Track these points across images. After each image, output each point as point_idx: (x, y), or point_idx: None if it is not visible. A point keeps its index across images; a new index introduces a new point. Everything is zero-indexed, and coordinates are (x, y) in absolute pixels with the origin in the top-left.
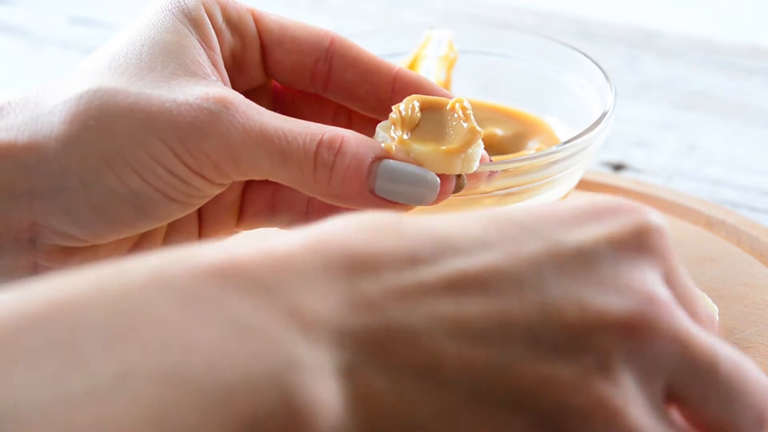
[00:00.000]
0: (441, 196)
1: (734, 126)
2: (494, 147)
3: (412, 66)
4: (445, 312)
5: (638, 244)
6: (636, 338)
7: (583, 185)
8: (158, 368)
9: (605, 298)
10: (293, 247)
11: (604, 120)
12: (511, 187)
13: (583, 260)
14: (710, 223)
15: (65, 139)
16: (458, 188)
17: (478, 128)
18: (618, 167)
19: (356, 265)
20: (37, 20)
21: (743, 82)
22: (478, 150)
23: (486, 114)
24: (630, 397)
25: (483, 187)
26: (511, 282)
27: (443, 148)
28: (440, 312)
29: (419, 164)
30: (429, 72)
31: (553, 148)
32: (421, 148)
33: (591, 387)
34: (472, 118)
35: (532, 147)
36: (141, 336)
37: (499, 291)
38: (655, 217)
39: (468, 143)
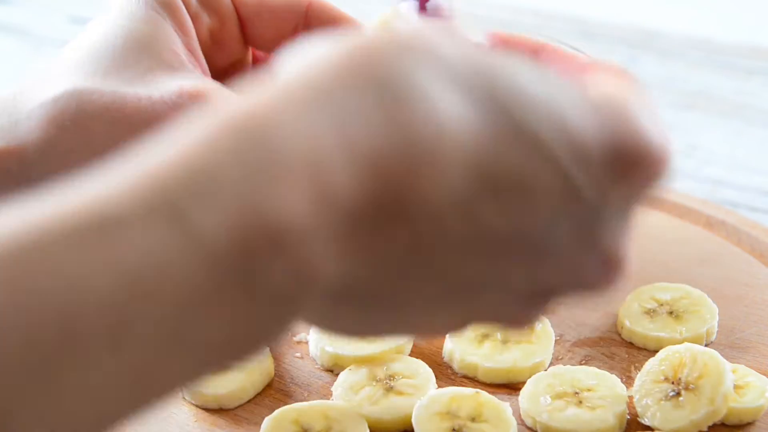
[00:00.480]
0: None
1: (734, 126)
2: None
3: None
4: None
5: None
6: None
7: None
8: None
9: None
10: None
11: None
12: None
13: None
14: (710, 223)
15: (44, 143)
16: None
17: None
18: None
19: None
20: (37, 20)
21: (743, 82)
22: None
23: None
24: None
25: None
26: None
27: None
28: None
29: None
30: None
31: None
32: None
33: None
34: None
35: None
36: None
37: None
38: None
39: None
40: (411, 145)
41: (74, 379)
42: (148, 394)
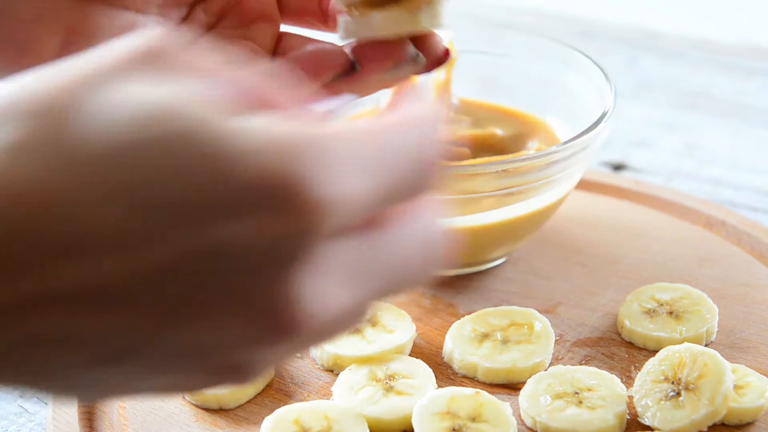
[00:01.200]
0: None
1: (734, 126)
2: (494, 147)
3: None
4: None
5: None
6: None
7: (583, 185)
8: None
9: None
10: None
11: (604, 120)
12: (511, 187)
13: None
14: (710, 223)
15: None
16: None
17: None
18: (618, 167)
19: None
20: None
21: (743, 82)
22: (444, 4)
23: (486, 114)
24: None
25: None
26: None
27: (403, 4)
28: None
29: (386, 30)
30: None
31: (553, 148)
32: (381, 12)
33: None
34: None
35: (532, 147)
36: None
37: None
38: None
39: None
40: None
41: None
42: None
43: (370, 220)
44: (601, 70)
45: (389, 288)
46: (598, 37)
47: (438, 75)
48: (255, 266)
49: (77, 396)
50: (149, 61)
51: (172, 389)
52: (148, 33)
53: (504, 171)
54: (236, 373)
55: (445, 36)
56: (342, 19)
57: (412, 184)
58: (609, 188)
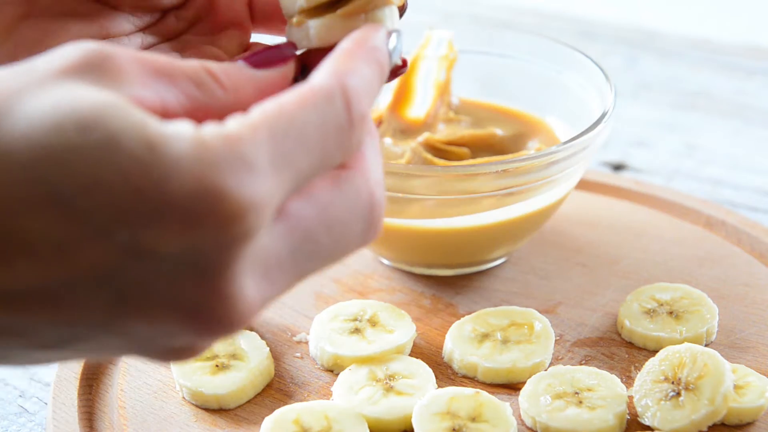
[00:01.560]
0: None
1: (734, 126)
2: (494, 147)
3: (413, 66)
4: None
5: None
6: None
7: (583, 185)
8: None
9: None
10: None
11: (604, 120)
12: (511, 187)
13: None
14: (710, 223)
15: None
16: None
17: None
18: (618, 167)
19: None
20: None
21: (743, 82)
22: (387, 12)
23: (486, 114)
24: None
25: (483, 185)
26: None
27: (339, 12)
28: None
29: (322, 39)
30: (429, 72)
31: (553, 148)
32: (316, 20)
33: None
34: None
35: (532, 147)
36: None
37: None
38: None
39: (368, 2)
40: None
41: None
42: None
43: (296, 193)
44: (601, 70)
45: (316, 266)
46: (598, 37)
47: (438, 75)
48: (188, 269)
49: (27, 365)
50: (85, 70)
51: (117, 356)
52: (85, 44)
53: (504, 171)
54: (176, 356)
55: (444, 35)
56: (286, 30)
57: (332, 155)
58: (609, 188)
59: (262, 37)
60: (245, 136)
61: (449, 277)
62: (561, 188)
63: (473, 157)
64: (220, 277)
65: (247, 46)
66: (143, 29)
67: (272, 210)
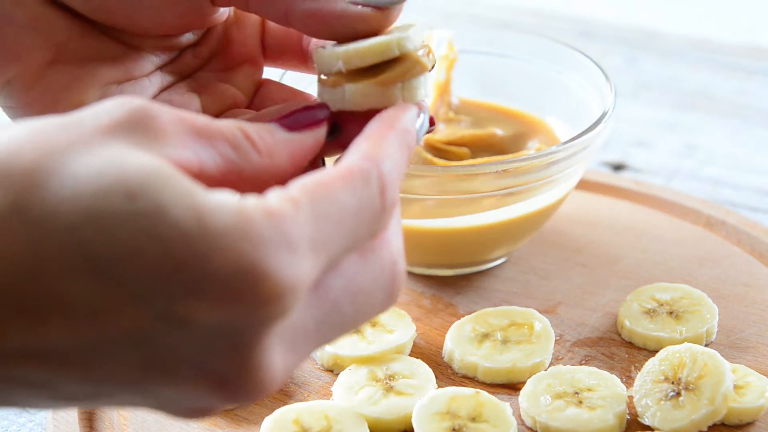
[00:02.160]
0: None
1: (734, 126)
2: (494, 147)
3: None
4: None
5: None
6: None
7: (583, 185)
8: None
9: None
10: None
11: (604, 120)
12: (511, 187)
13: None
14: (710, 223)
15: None
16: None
17: (423, 60)
18: (618, 167)
19: None
20: None
21: (743, 82)
22: (422, 80)
23: (486, 114)
24: None
25: (483, 185)
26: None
27: (377, 79)
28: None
29: (357, 104)
30: None
31: (553, 148)
32: (353, 85)
33: None
34: (425, 54)
35: (532, 147)
36: None
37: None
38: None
39: (406, 72)
40: None
41: None
42: None
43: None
44: (601, 70)
45: (337, 334)
46: (598, 37)
47: (438, 75)
48: (220, 341)
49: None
50: (130, 128)
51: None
52: (129, 100)
53: (504, 171)
54: (197, 415)
55: (444, 35)
56: (318, 86)
57: (364, 237)
58: (609, 188)
59: (271, 71)
60: (288, 214)
61: (449, 277)
62: (561, 188)
63: (473, 157)
64: (251, 350)
65: (260, 83)
66: (161, 67)
67: (307, 289)
